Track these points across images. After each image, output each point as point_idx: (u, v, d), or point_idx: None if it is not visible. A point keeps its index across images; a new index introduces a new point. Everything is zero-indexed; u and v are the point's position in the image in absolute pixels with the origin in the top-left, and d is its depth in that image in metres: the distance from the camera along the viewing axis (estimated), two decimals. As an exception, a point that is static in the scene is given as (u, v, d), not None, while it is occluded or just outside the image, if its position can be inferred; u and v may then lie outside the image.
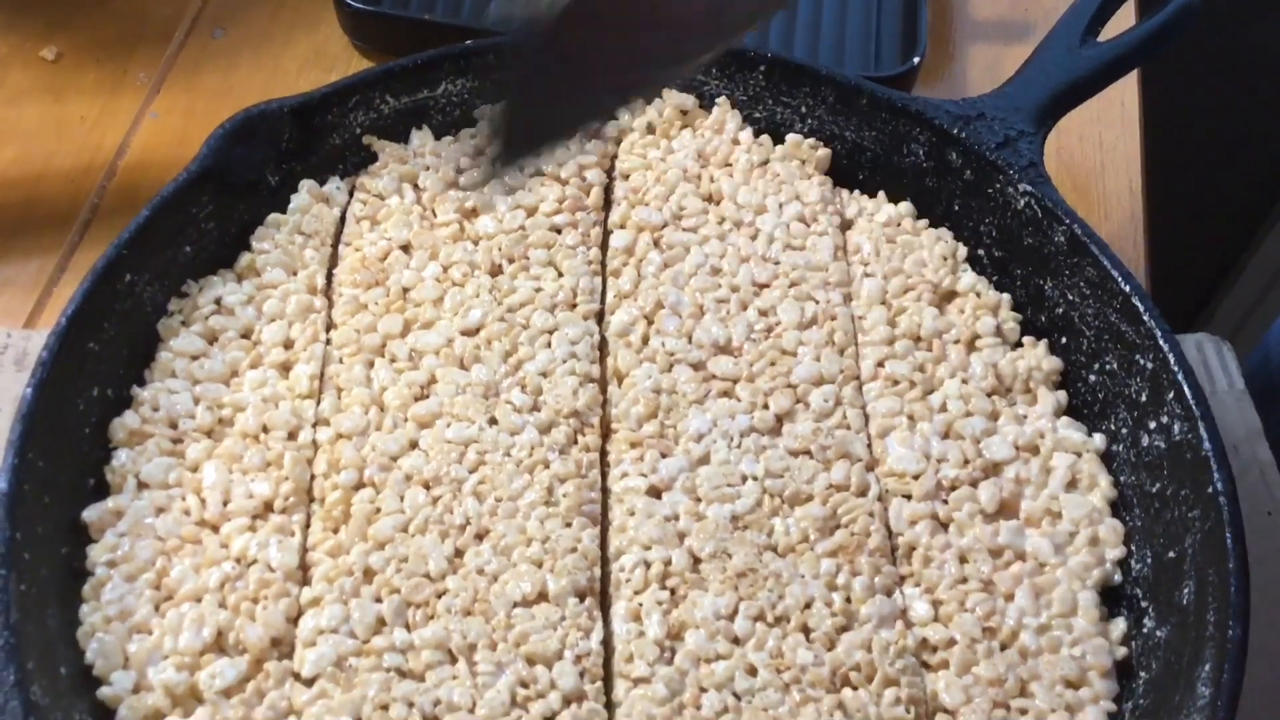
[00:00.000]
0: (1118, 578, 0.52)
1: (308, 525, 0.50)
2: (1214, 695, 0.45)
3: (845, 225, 0.61)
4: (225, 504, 0.50)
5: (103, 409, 0.51)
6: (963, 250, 0.60)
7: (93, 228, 0.68)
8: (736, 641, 0.49)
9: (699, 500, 0.52)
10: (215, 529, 0.50)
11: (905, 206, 0.61)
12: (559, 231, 0.60)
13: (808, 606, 0.50)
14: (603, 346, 0.57)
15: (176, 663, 0.46)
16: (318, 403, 0.54)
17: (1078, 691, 0.49)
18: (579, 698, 0.46)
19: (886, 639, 0.49)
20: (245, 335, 0.55)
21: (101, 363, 0.51)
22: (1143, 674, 0.49)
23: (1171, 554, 0.50)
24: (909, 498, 0.53)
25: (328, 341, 0.56)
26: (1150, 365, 0.52)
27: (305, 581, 0.49)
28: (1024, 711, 0.48)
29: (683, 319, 0.57)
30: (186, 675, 0.45)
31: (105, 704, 0.45)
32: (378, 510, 0.51)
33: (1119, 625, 0.51)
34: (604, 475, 0.53)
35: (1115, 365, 0.54)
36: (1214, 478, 0.49)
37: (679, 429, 0.54)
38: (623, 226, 0.60)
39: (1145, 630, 0.50)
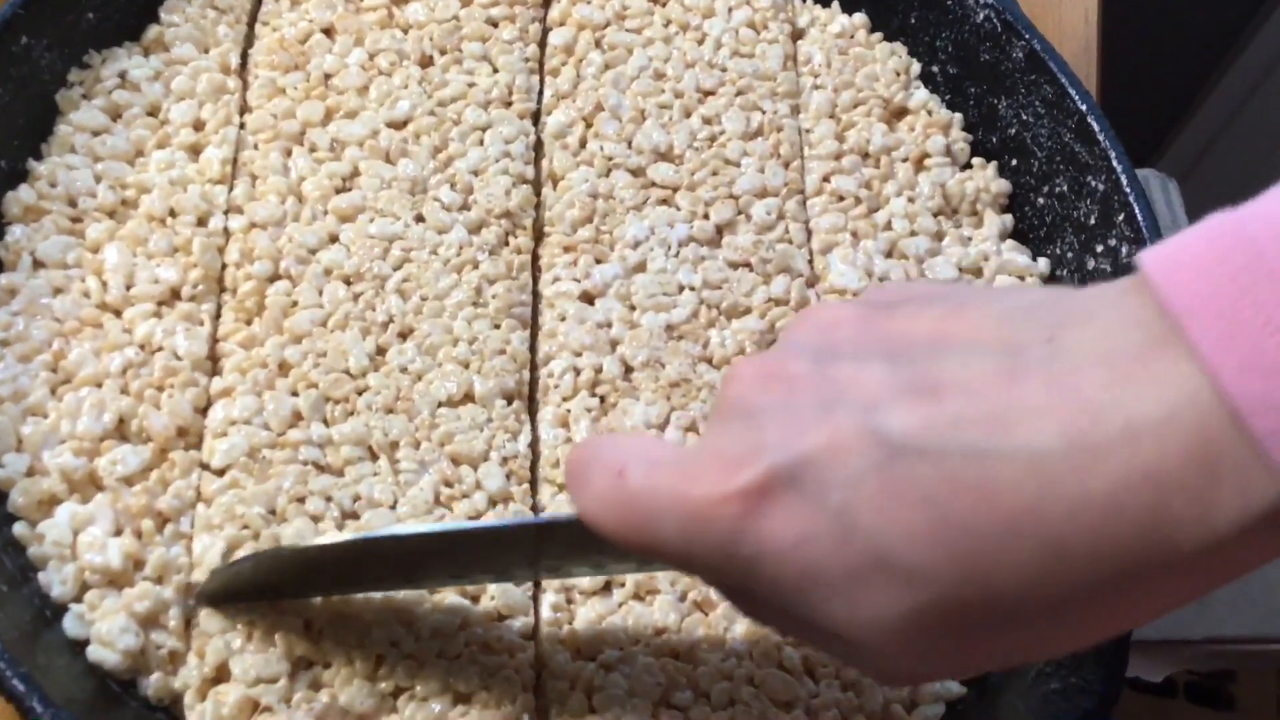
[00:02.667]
0: (1052, 403, 0.51)
1: (218, 315, 0.48)
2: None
3: (796, 34, 0.58)
4: (129, 288, 0.47)
5: (-5, 180, 0.47)
6: (916, 66, 0.58)
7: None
8: (667, 450, 0.47)
9: (633, 308, 0.50)
10: (117, 313, 0.46)
11: (860, 17, 0.59)
12: (495, 25, 0.56)
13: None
14: (538, 148, 0.54)
15: (74, 448, 0.43)
16: (230, 189, 0.50)
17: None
18: (505, 499, 0.45)
19: (820, 451, 0.48)
20: (151, 113, 0.51)
21: (-6, 131, 0.47)
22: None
23: (1109, 379, 0.50)
24: (848, 316, 0.52)
25: (241, 125, 0.52)
26: (1102, 187, 0.51)
27: (215, 372, 0.46)
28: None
29: (623, 123, 0.54)
30: (85, 461, 0.43)
31: (-3, 486, 0.42)
32: (294, 304, 0.48)
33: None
34: (535, 280, 0.51)
35: (1065, 188, 0.53)
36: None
37: (615, 235, 0.52)
38: (563, 24, 0.57)
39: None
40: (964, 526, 0.26)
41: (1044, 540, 0.25)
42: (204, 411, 0.45)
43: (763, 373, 0.30)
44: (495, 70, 0.55)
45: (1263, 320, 0.24)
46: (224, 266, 0.48)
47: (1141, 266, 0.26)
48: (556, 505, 0.45)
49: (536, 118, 0.55)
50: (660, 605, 0.44)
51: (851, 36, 0.58)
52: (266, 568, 0.40)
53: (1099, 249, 0.51)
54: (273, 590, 0.41)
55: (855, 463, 0.27)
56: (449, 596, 0.42)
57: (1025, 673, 0.45)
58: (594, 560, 0.38)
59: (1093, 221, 0.51)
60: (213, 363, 0.46)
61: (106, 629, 0.40)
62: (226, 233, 0.49)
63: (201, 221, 0.49)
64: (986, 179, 0.55)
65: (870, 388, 0.28)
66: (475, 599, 0.43)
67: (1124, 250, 0.50)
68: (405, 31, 0.55)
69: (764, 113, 0.55)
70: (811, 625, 0.29)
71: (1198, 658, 0.56)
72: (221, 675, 0.41)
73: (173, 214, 0.49)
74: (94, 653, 0.40)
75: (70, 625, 0.40)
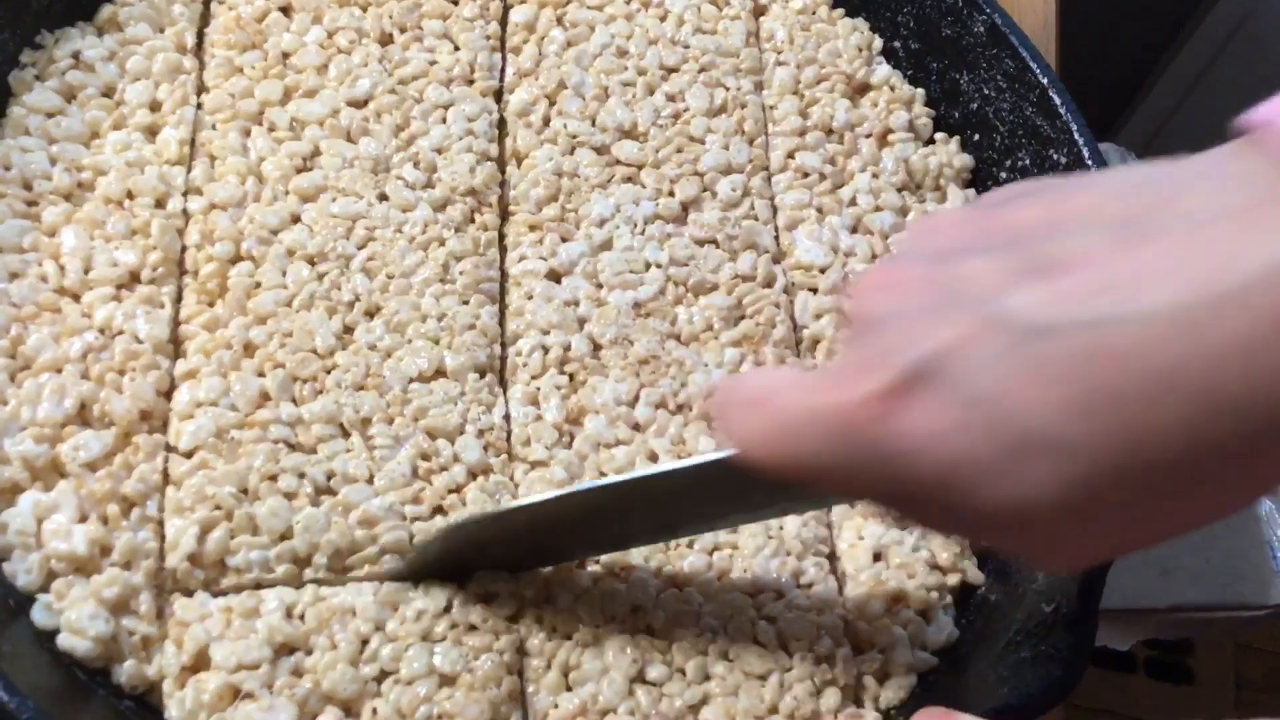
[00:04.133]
0: (1018, 375, 0.52)
1: (179, 298, 0.47)
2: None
3: (759, 11, 0.58)
4: (87, 272, 0.46)
5: (-55, 162, 0.46)
6: (878, 42, 0.58)
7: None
8: (637, 428, 0.47)
9: (600, 286, 0.50)
10: (76, 298, 0.46)
11: (821, -7, 0.59)
12: (456, 2, 0.55)
13: (710, 395, 0.48)
14: (501, 126, 0.54)
15: (35, 435, 0.42)
16: (188, 170, 0.49)
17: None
18: (485, 470, 0.45)
19: (792, 425, 0.48)
20: (107, 94, 0.50)
21: (-56, 111, 0.46)
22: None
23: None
24: (815, 291, 0.52)
25: (199, 106, 0.51)
26: (1064, 160, 0.51)
27: (178, 355, 0.45)
28: (924, 500, 0.48)
29: (586, 101, 0.54)
30: (47, 447, 0.42)
31: (-44, 474, 0.41)
32: (258, 285, 0.47)
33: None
34: (502, 257, 0.51)
35: (1028, 161, 0.53)
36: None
37: (580, 213, 0.51)
38: (524, 1, 0.56)
39: (1043, 425, 0.50)
40: (1112, 393, 0.26)
41: (1194, 394, 0.26)
42: (167, 395, 0.44)
43: (882, 283, 0.30)
44: (456, 48, 0.54)
45: None
46: (184, 249, 0.48)
47: (1249, 124, 0.27)
48: (528, 484, 0.45)
49: (499, 95, 0.54)
50: (635, 582, 0.44)
51: (814, 12, 0.58)
52: (468, 536, 0.41)
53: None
54: (475, 561, 0.42)
55: (985, 351, 0.27)
56: (434, 585, 0.42)
57: (995, 641, 0.45)
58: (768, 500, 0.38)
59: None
60: (175, 346, 0.46)
61: (76, 617, 0.39)
62: (186, 214, 0.48)
63: (160, 203, 0.48)
64: (949, 154, 0.56)
65: (988, 278, 0.28)
66: (460, 582, 0.43)
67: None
68: (364, 9, 0.54)
69: (727, 89, 0.55)
70: (971, 517, 0.29)
71: (1162, 626, 0.57)
72: (200, 663, 0.40)
73: (130, 196, 0.48)
74: (64, 641, 0.39)
75: (39, 615, 0.40)
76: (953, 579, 0.47)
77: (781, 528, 0.46)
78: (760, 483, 0.32)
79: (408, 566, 0.42)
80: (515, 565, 0.43)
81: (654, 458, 0.47)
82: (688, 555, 0.45)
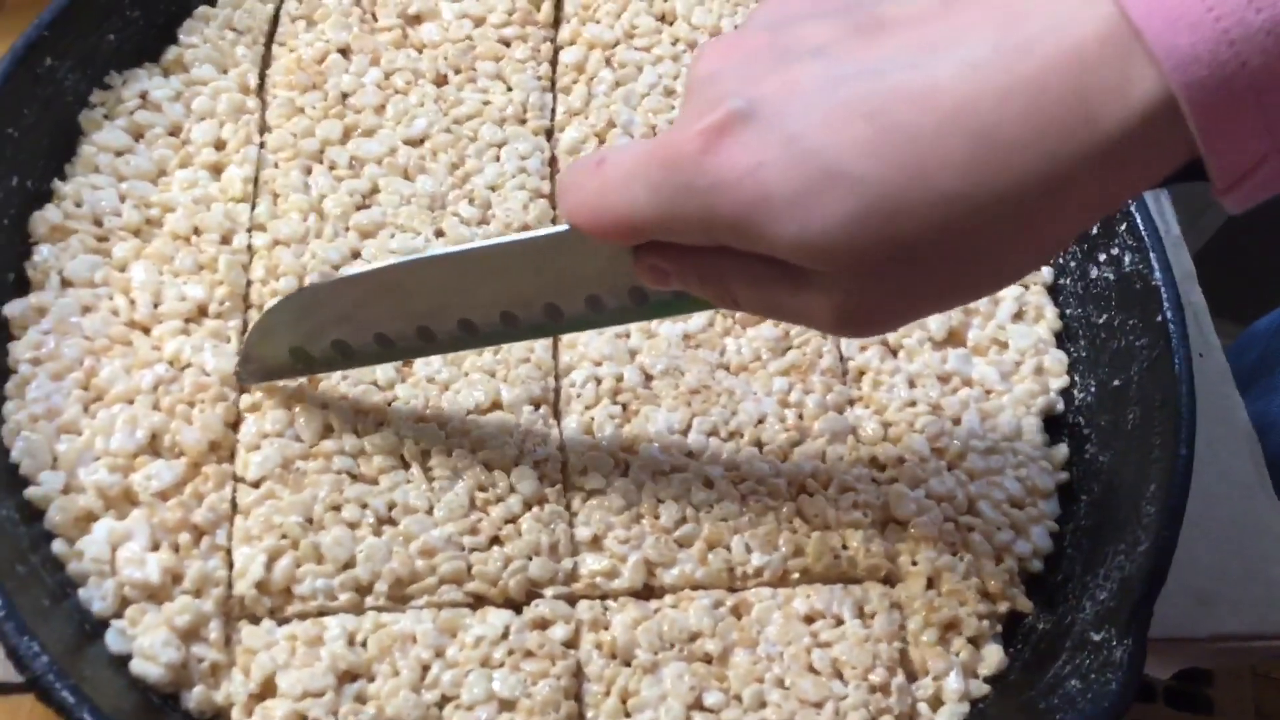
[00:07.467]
0: (1060, 405, 0.53)
1: (244, 331, 0.48)
2: (1159, 513, 0.45)
3: (802, 50, 0.60)
4: (156, 305, 0.47)
5: (22, 201, 0.48)
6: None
7: (6, 14, 0.62)
8: (690, 455, 0.48)
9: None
10: (146, 331, 0.47)
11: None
12: (508, 44, 0.57)
13: (760, 422, 0.49)
14: (552, 164, 0.55)
15: (109, 464, 0.43)
16: (253, 207, 0.51)
17: (1022, 510, 0.50)
18: (540, 501, 0.45)
19: (840, 452, 0.49)
20: (173, 133, 0.52)
21: (20, 151, 0.48)
22: (1084, 496, 0.50)
23: (1116, 382, 0.51)
24: (861, 323, 0.53)
25: (262, 144, 0.53)
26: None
27: (243, 388, 0.47)
28: (971, 529, 0.49)
29: (635, 139, 0.55)
30: (120, 477, 0.43)
31: (34, 504, 0.43)
32: (319, 318, 0.48)
33: (1061, 450, 0.52)
34: (554, 292, 0.52)
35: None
36: (1163, 306, 0.50)
37: (631, 248, 0.52)
38: (573, 43, 0.58)
39: (1087, 456, 0.51)
40: (904, 131, 0.28)
41: (978, 131, 0.28)
42: (234, 426, 0.46)
43: (724, 46, 0.32)
44: (509, 88, 0.56)
45: None
46: (249, 283, 0.49)
47: None
48: (588, 510, 0.46)
49: (550, 134, 0.55)
50: (695, 610, 0.45)
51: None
52: (294, 318, 0.43)
53: (1102, 258, 0.52)
54: (308, 358, 0.44)
55: (805, 95, 0.29)
56: (490, 612, 0.43)
57: (1044, 670, 0.46)
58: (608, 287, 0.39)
59: (1095, 231, 0.53)
60: (240, 378, 0.47)
61: (149, 643, 0.41)
62: (250, 250, 0.50)
63: (225, 239, 0.50)
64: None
65: (821, 36, 0.30)
66: (519, 609, 0.44)
67: (1127, 259, 0.51)
68: (420, 51, 0.56)
69: (773, 127, 0.56)
70: (769, 250, 0.30)
71: (1201, 656, 0.58)
72: (267, 690, 0.41)
73: (197, 232, 0.49)
74: (137, 666, 0.40)
75: (113, 640, 0.41)
76: (1002, 607, 0.48)
77: (846, 547, 0.47)
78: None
79: (248, 365, 0.45)
80: (353, 358, 0.43)
81: (709, 484, 0.47)
82: (750, 584, 0.46)
